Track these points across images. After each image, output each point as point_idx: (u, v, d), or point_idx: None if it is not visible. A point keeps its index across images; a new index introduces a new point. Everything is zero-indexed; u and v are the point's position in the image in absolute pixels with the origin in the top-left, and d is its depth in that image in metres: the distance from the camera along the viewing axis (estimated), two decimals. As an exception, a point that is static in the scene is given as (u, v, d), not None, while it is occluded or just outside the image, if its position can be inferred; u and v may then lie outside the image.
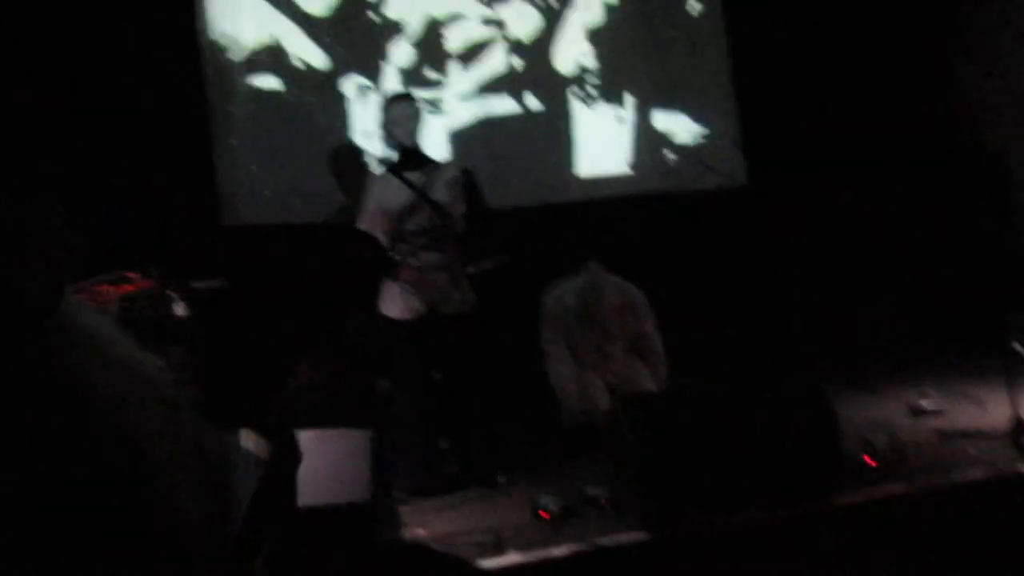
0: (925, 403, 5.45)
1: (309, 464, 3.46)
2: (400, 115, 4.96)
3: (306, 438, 3.51)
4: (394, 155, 5.23)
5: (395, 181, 4.90)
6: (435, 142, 6.07)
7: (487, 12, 6.58)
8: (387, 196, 4.86)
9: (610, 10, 6.89)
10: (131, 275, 4.58)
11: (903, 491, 4.18)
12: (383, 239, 4.83)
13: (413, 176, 4.93)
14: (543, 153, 6.73)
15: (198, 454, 1.17)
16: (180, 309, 4.44)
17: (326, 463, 3.46)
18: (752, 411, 4.19)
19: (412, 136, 4.98)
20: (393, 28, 6.38)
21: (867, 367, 6.33)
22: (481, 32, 6.57)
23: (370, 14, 6.33)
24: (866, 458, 4.51)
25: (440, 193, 4.91)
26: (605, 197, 6.70)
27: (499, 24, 6.60)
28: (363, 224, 4.87)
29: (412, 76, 6.34)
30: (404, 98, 5.15)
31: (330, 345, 5.28)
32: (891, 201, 6.95)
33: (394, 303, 4.82)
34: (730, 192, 6.68)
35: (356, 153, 6.10)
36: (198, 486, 1.14)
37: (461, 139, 6.44)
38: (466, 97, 6.53)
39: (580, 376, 5.52)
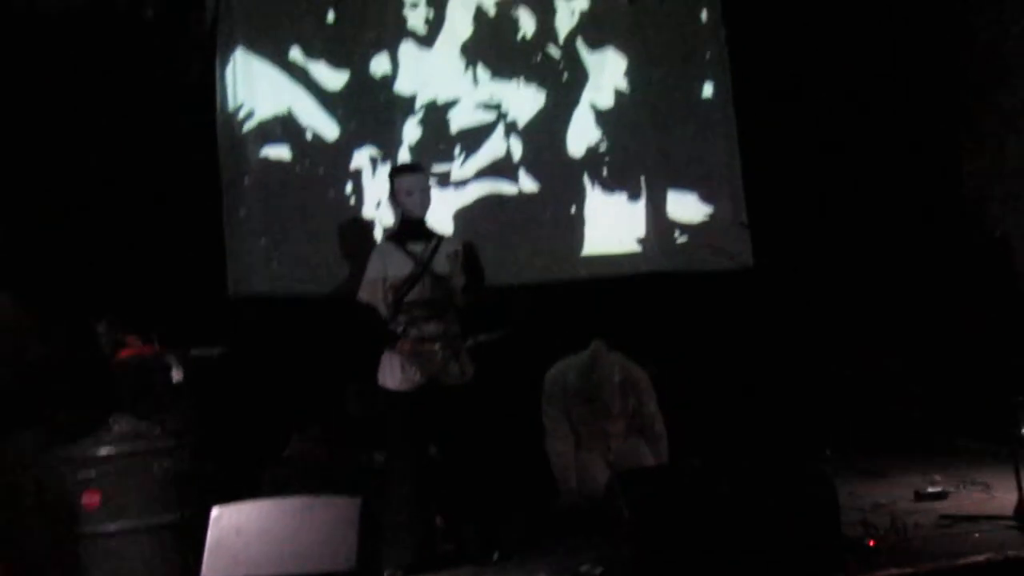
0: (931, 488, 5.38)
1: (295, 531, 3.41)
2: (410, 185, 5.02)
3: (293, 505, 3.47)
4: (397, 225, 5.26)
5: (398, 251, 4.92)
6: (442, 216, 6.13)
7: (496, 92, 6.66)
8: (390, 266, 4.88)
9: (619, 92, 6.98)
10: (131, 339, 4.62)
11: (907, 574, 4.09)
12: (384, 309, 4.83)
13: (416, 247, 4.95)
14: (550, 231, 6.74)
15: None
16: (177, 375, 4.45)
17: (312, 530, 3.41)
18: (752, 490, 4.13)
19: (419, 207, 5.02)
20: (404, 105, 6.47)
21: (873, 452, 6.28)
22: (489, 113, 6.65)
23: (381, 91, 6.43)
24: (870, 541, 4.44)
25: (441, 265, 4.92)
26: (611, 275, 6.70)
27: (508, 104, 6.68)
28: (364, 294, 4.88)
29: (422, 151, 6.40)
30: (413, 169, 5.22)
31: (327, 417, 5.27)
32: (899, 285, 6.94)
33: (393, 374, 4.80)
34: (736, 273, 6.68)
35: (363, 225, 6.16)
36: None
37: (468, 214, 6.47)
38: (474, 174, 6.58)
39: (580, 454, 5.47)
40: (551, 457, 5.42)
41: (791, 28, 7.03)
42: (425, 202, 5.04)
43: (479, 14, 6.67)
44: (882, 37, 7.21)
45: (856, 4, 7.14)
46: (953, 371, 6.69)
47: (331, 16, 6.34)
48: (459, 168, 6.50)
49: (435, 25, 6.58)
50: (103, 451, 4.35)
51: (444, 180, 6.42)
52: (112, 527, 4.32)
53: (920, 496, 5.33)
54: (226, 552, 3.39)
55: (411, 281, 4.86)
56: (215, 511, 3.49)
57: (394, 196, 5.07)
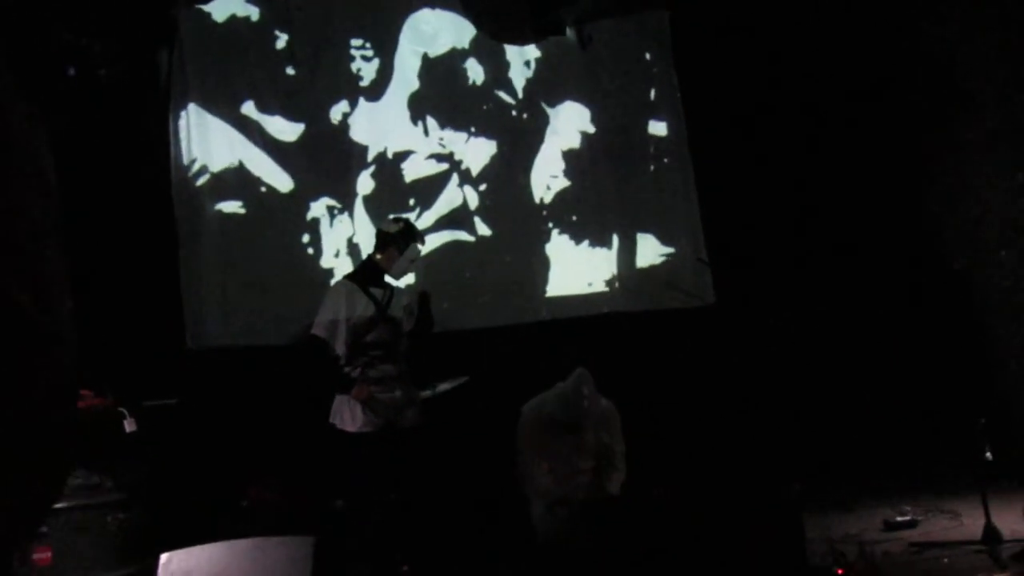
0: (900, 517, 5.37)
1: (246, 573, 3.33)
2: (416, 255, 5.11)
3: (245, 546, 3.40)
4: (359, 269, 5.25)
5: (360, 293, 4.92)
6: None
7: (448, 142, 6.71)
8: (352, 307, 4.87)
9: (575, 137, 7.05)
10: (84, 392, 4.54)
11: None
12: (341, 349, 4.80)
13: (377, 292, 4.97)
14: (511, 275, 6.77)
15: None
16: (130, 426, 4.37)
17: (264, 571, 3.33)
18: (714, 520, 4.09)
19: (403, 274, 5.15)
20: (359, 156, 6.49)
21: (843, 483, 6.26)
22: (442, 163, 6.69)
23: (335, 142, 6.45)
24: (838, 571, 4.40)
25: (396, 312, 4.98)
26: (574, 316, 6.71)
27: (461, 153, 6.73)
28: (322, 331, 4.83)
29: (378, 202, 6.41)
30: (423, 242, 5.23)
31: (284, 464, 5.20)
32: (861, 317, 6.97)
33: (354, 417, 4.76)
34: (699, 310, 6.69)
35: (322, 275, 6.14)
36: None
37: (429, 262, 6.42)
38: (433, 223, 6.59)
39: (552, 490, 5.36)
40: (527, 492, 5.27)
41: (743, 68, 7.14)
42: (410, 272, 5.25)
43: (428, 65, 6.74)
44: (837, 72, 7.31)
45: (808, 41, 7.26)
46: (918, 399, 6.70)
47: (284, 70, 6.37)
48: (416, 218, 6.50)
49: (385, 76, 6.64)
50: (55, 505, 4.25)
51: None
52: (65, 584, 4.20)
53: (889, 525, 5.32)
54: (175, 598, 3.29)
55: (371, 323, 4.86)
56: (164, 556, 3.40)
57: (397, 251, 5.01)
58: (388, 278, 5.10)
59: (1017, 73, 6.53)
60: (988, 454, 5.26)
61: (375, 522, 4.68)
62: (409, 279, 5.82)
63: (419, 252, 5.14)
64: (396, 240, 5.03)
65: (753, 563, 4.04)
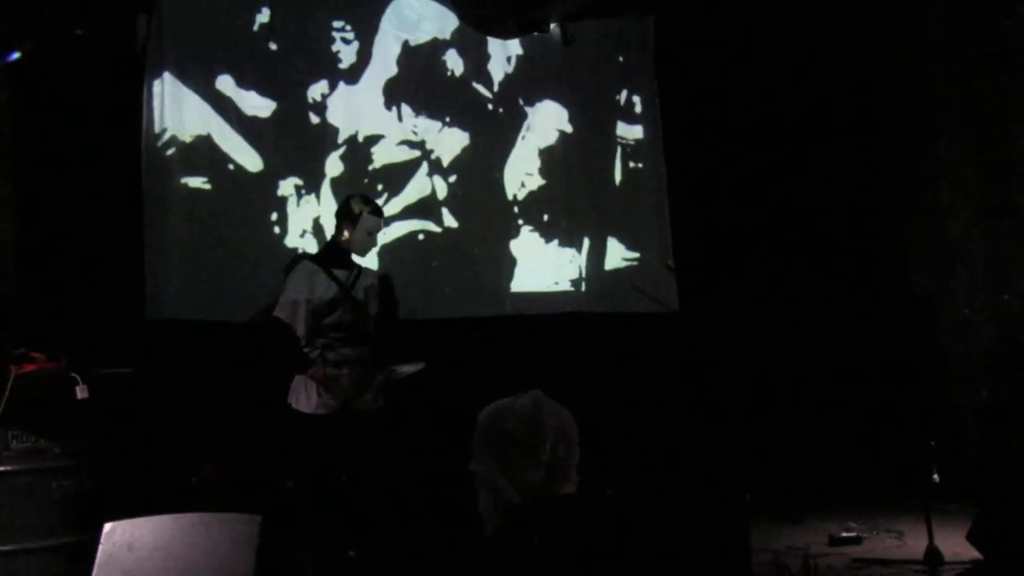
0: (845, 533, 5.44)
1: (191, 547, 3.30)
2: (374, 227, 5.00)
3: (190, 521, 3.36)
4: (323, 250, 5.22)
5: (322, 274, 4.87)
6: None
7: (421, 130, 6.67)
8: (315, 288, 4.82)
9: (551, 134, 7.05)
10: (36, 355, 4.47)
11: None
12: (301, 330, 4.75)
13: (340, 273, 4.93)
14: (477, 268, 6.76)
15: None
16: (82, 392, 4.31)
17: (209, 547, 3.30)
18: (663, 525, 4.12)
19: (366, 248, 5.04)
20: (330, 138, 6.45)
21: (793, 499, 6.32)
22: (413, 150, 6.65)
23: (308, 122, 6.40)
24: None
25: (360, 294, 4.94)
26: (536, 314, 6.71)
27: (432, 143, 6.70)
28: (283, 312, 4.79)
29: (346, 185, 6.35)
30: (382, 214, 5.17)
31: (237, 442, 5.15)
32: (822, 336, 7.04)
33: (309, 398, 4.72)
34: (661, 316, 6.70)
35: (286, 254, 6.09)
36: None
37: (394, 249, 6.43)
38: (400, 210, 6.56)
39: (504, 492, 5.35)
40: (479, 495, 5.25)
41: (722, 78, 7.17)
42: (372, 246, 5.08)
43: (408, 51, 6.71)
44: (816, 93, 7.37)
45: (789, 60, 7.31)
46: (872, 418, 6.78)
47: (263, 45, 6.31)
48: (384, 204, 6.42)
49: (364, 60, 6.60)
50: (-1, 468, 4.19)
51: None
52: (3, 548, 4.13)
53: (834, 540, 5.38)
54: (117, 569, 3.25)
55: (333, 305, 4.82)
56: (107, 527, 3.36)
57: (351, 224, 4.95)
58: (355, 257, 5.05)
59: (982, 107, 6.63)
60: (936, 477, 5.35)
61: (324, 505, 4.65)
62: (373, 262, 5.80)
63: (377, 224, 5.01)
64: (346, 215, 4.97)
65: (699, 570, 4.07)
